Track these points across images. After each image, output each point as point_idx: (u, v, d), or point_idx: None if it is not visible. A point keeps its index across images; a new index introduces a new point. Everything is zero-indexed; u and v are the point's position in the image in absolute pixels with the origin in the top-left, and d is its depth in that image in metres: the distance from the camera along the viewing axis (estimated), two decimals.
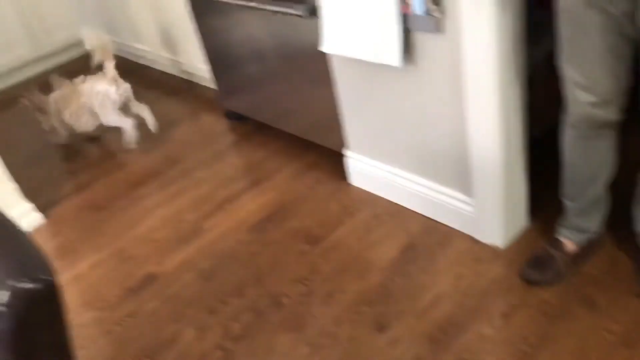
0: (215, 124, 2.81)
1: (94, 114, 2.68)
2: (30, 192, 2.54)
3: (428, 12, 1.50)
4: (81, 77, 2.72)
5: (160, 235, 2.15)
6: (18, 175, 2.45)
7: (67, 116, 2.72)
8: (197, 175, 2.46)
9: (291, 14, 1.90)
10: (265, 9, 2.00)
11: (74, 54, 4.01)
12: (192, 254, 2.02)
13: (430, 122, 1.72)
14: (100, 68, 2.68)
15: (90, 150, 2.85)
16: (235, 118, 2.77)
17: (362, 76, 1.83)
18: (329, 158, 2.34)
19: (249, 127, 2.71)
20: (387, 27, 1.58)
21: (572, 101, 1.41)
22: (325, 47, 1.80)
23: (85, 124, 2.72)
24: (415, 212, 1.96)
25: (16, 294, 0.56)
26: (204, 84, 3.18)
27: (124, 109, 2.71)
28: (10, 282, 0.57)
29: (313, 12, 1.84)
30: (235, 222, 2.13)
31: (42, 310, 0.59)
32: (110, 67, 2.64)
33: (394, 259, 1.81)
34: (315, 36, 1.93)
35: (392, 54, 1.60)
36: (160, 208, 2.31)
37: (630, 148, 1.65)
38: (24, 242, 0.63)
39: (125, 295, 1.91)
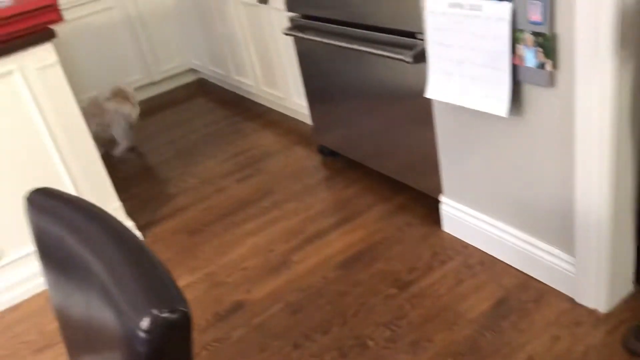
0: (308, 159, 2.87)
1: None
2: (132, 210, 2.70)
3: (540, 66, 1.48)
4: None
5: (250, 264, 2.21)
6: (122, 193, 2.62)
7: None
8: (288, 208, 2.51)
9: (395, 58, 1.93)
10: (370, 53, 2.04)
11: (179, 82, 4.27)
12: (281, 286, 2.06)
13: (535, 176, 1.67)
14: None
15: (192, 174, 2.99)
16: (328, 154, 2.82)
17: (465, 122, 1.82)
18: (421, 201, 2.33)
19: (341, 163, 2.75)
20: (497, 78, 1.57)
21: None
22: (430, 93, 1.81)
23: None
24: (510, 266, 1.90)
25: (156, 321, 0.60)
26: (300, 119, 3.28)
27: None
28: (152, 310, 0.61)
29: (419, 58, 1.86)
30: (323, 258, 2.15)
31: (176, 339, 0.63)
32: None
33: (485, 313, 1.76)
34: (418, 80, 1.95)
35: (499, 104, 1.59)
36: (251, 237, 2.37)
37: None
38: (162, 272, 0.67)
39: (214, 320, 1.97)
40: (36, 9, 2.05)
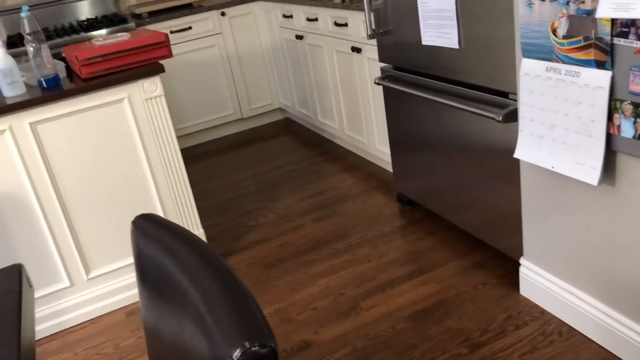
0: (385, 206, 2.89)
1: None
2: (212, 238, 2.80)
3: (638, 137, 1.44)
4: None
5: (320, 305, 2.23)
6: (204, 221, 2.73)
7: None
8: (362, 252, 2.53)
9: (487, 117, 1.93)
10: (461, 108, 2.06)
11: (267, 120, 4.45)
12: (348, 331, 2.06)
13: (625, 249, 1.61)
14: None
15: (271, 210, 3.07)
16: (407, 203, 2.83)
17: (552, 186, 1.79)
18: (499, 261, 2.28)
19: (418, 213, 2.75)
20: (590, 145, 1.54)
21: None
22: (519, 154, 1.80)
23: None
24: (590, 340, 1.81)
25: (246, 353, 0.64)
26: (381, 165, 3.31)
27: None
28: (244, 342, 0.64)
29: (509, 117, 1.86)
30: (393, 308, 2.14)
31: None
32: None
33: None
34: (506, 138, 1.94)
35: (591, 172, 1.56)
36: (323, 277, 2.40)
37: None
38: (254, 306, 0.71)
39: (281, 357, 1.99)
40: (150, 45, 2.23)
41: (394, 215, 2.79)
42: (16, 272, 1.19)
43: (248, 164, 3.76)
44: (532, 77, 1.68)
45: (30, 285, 1.21)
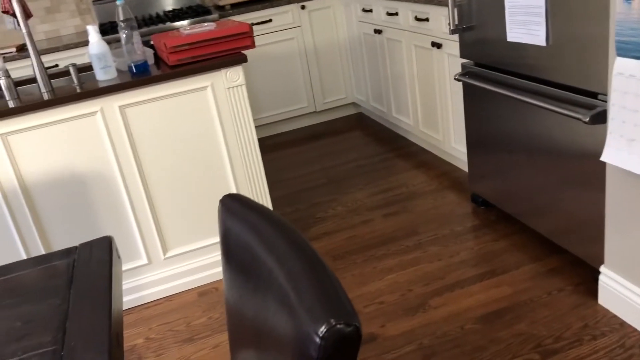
0: (458, 205, 2.84)
1: None
2: None
3: None
4: None
5: (387, 299, 2.23)
6: (275, 210, 2.78)
7: None
8: (432, 251, 2.50)
9: (573, 118, 1.86)
10: (545, 108, 1.99)
11: (340, 114, 4.47)
12: (415, 327, 2.05)
13: None
14: None
15: (340, 203, 3.09)
16: (481, 203, 2.77)
17: None
18: (577, 268, 2.20)
19: (492, 215, 2.68)
20: None
21: None
22: (606, 157, 1.72)
23: None
24: None
25: (332, 331, 0.65)
26: (455, 163, 3.26)
27: None
28: (329, 319, 0.66)
29: (597, 119, 1.79)
30: (463, 308, 2.11)
31: (346, 352, 0.67)
32: None
33: None
34: (592, 141, 1.87)
35: None
36: (391, 273, 2.39)
37: None
38: (339, 287, 0.72)
39: None
40: (234, 35, 2.29)
41: (467, 216, 2.74)
42: (107, 244, 1.26)
43: (319, 157, 3.79)
44: (626, 77, 1.60)
45: (119, 257, 1.28)
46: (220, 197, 1.03)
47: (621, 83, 1.62)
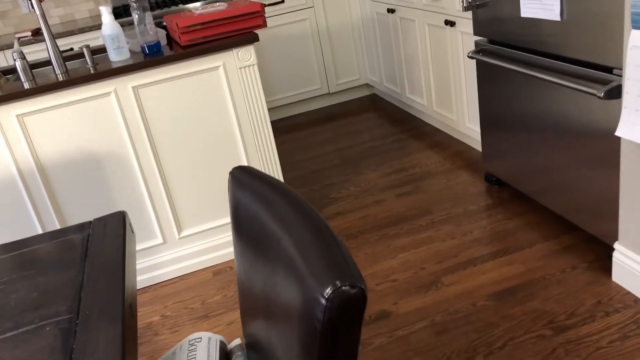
0: (471, 184, 2.83)
1: None
2: None
3: None
4: None
5: (399, 277, 2.24)
6: (295, 188, 2.79)
7: None
8: (445, 230, 2.50)
9: (586, 92, 1.84)
10: (559, 84, 1.97)
11: (353, 96, 4.45)
12: (428, 304, 2.05)
13: None
14: None
15: (354, 183, 3.10)
16: (495, 182, 2.76)
17: None
18: (591, 246, 2.19)
19: (506, 193, 2.67)
20: None
21: None
22: (620, 131, 1.70)
23: None
24: None
25: (337, 291, 0.66)
26: (469, 143, 3.24)
27: None
28: (335, 282, 0.67)
29: (612, 94, 1.76)
30: (475, 285, 2.11)
31: (351, 313, 0.68)
32: None
33: None
34: (606, 117, 1.84)
35: None
36: (403, 252, 2.40)
37: None
38: (344, 252, 0.73)
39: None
40: (246, 14, 2.29)
41: (480, 195, 2.73)
42: (121, 218, 1.29)
43: (333, 138, 3.79)
44: None
45: (132, 232, 1.30)
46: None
47: (637, 56, 1.60)
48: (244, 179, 1.00)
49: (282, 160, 3.56)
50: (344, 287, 0.67)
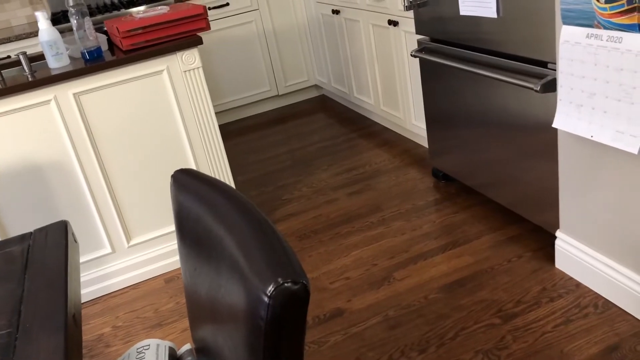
0: (420, 181, 2.88)
1: None
2: None
3: None
4: None
5: (352, 275, 2.26)
6: (247, 191, 2.78)
7: None
8: (395, 226, 2.54)
9: (524, 87, 1.91)
10: (498, 79, 2.03)
11: (303, 97, 4.46)
12: (381, 300, 2.08)
13: None
14: None
15: (305, 184, 3.10)
16: (442, 178, 2.82)
17: (591, 157, 1.76)
18: (535, 235, 2.26)
19: (453, 188, 2.73)
20: (631, 113, 1.51)
21: None
22: (557, 123, 1.77)
23: None
24: (627, 312, 1.79)
25: (280, 289, 0.67)
26: (416, 140, 3.30)
27: None
28: (277, 279, 0.67)
29: (548, 87, 1.83)
30: (426, 279, 2.15)
31: (295, 309, 0.69)
32: None
33: (593, 357, 1.67)
34: (544, 110, 1.91)
35: (632, 140, 1.53)
36: (356, 249, 2.42)
37: None
38: (287, 249, 0.74)
39: (314, 323, 2.03)
40: (188, 17, 2.26)
41: (428, 190, 2.78)
42: (62, 227, 1.25)
43: (284, 140, 3.79)
44: (572, 44, 1.64)
45: (75, 241, 1.27)
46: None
47: (567, 50, 1.67)
48: (186, 182, 0.99)
49: (234, 163, 3.54)
50: (286, 284, 0.67)
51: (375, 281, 2.19)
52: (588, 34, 1.58)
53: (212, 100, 4.09)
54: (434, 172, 2.86)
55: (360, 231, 2.55)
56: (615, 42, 1.51)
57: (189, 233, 0.97)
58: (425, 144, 3.22)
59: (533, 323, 1.84)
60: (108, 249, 2.43)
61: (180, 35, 2.29)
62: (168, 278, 2.50)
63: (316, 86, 4.46)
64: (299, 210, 2.84)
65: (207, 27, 2.30)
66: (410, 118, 3.15)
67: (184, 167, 2.43)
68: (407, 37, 2.91)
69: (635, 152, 1.52)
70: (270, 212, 2.88)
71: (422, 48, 2.56)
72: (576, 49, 1.63)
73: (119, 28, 2.21)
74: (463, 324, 1.89)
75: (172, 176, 1.02)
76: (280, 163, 3.44)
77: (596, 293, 1.90)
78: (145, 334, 2.17)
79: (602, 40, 1.55)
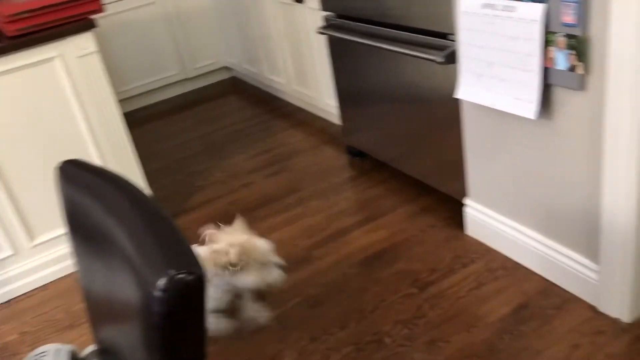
0: (335, 158, 2.89)
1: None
2: (161, 200, 2.75)
3: (572, 69, 1.47)
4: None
5: None
6: (152, 183, 2.68)
7: None
8: (313, 205, 2.53)
9: (427, 59, 1.93)
10: (402, 53, 2.05)
11: (213, 80, 4.34)
12: (301, 280, 2.07)
13: (562, 180, 1.66)
14: None
15: (220, 169, 3.03)
16: (356, 154, 2.84)
17: (493, 125, 1.82)
18: (446, 204, 2.32)
19: (368, 164, 2.76)
20: (526, 80, 1.56)
21: None
22: (459, 94, 1.81)
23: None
24: (533, 272, 1.88)
25: (172, 281, 0.63)
26: (329, 119, 3.30)
27: None
28: (169, 271, 0.63)
29: (450, 59, 1.86)
30: (344, 255, 2.16)
31: (191, 300, 0.65)
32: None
33: (505, 317, 1.74)
34: (448, 82, 1.95)
35: (528, 106, 1.58)
36: (275, 231, 2.40)
37: None
38: (180, 239, 0.69)
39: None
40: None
41: (343, 168, 2.80)
42: None
43: (195, 125, 3.68)
44: (470, 14, 1.67)
45: None
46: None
47: (466, 21, 1.70)
48: (73, 173, 0.92)
49: (143, 152, 3.39)
50: (179, 275, 0.63)
51: (296, 262, 2.18)
52: (484, 3, 1.62)
53: (116, 87, 3.89)
54: (348, 149, 2.87)
55: (278, 213, 2.53)
56: (509, 11, 1.55)
57: (80, 228, 0.90)
58: (339, 122, 3.22)
59: (448, 289, 1.89)
60: (9, 251, 2.26)
61: (71, 18, 2.14)
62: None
63: (226, 68, 4.35)
64: (214, 196, 2.77)
65: (100, 10, 2.17)
66: (322, 96, 3.14)
67: (86, 159, 2.29)
68: (314, 14, 2.88)
69: (532, 117, 1.58)
70: (184, 199, 2.79)
71: (328, 25, 2.54)
72: (474, 20, 1.67)
73: (3, 11, 2.03)
74: (382, 297, 1.92)
75: (58, 168, 0.94)
76: (192, 149, 3.34)
77: (505, 256, 1.98)
78: (58, 336, 2.06)
79: (497, 9, 1.58)
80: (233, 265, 1.69)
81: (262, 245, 1.79)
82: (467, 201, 2.08)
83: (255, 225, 2.46)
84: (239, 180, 2.88)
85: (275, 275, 1.77)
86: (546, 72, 1.53)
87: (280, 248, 2.27)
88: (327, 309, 1.91)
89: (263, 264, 1.75)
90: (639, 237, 1.52)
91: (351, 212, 2.43)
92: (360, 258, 2.13)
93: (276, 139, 3.24)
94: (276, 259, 1.79)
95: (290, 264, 2.16)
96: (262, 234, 2.38)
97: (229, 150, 3.22)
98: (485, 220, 2.02)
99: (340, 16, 2.48)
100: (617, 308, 1.63)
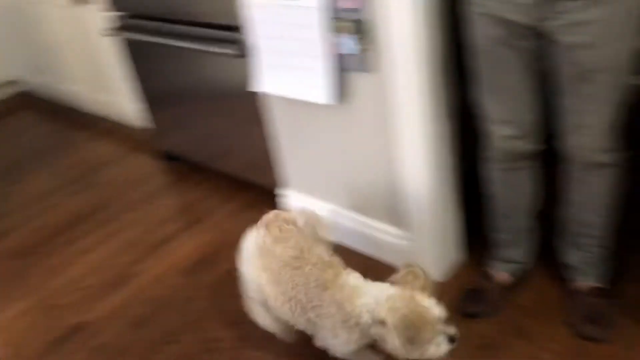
0: (147, 166, 2.74)
1: None
2: None
3: (358, 52, 1.53)
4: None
5: (88, 283, 2.05)
6: None
7: None
8: (127, 218, 2.37)
9: (222, 54, 1.90)
10: (197, 50, 1.99)
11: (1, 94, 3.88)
12: (123, 301, 1.93)
13: (362, 159, 1.74)
14: None
15: (15, 194, 2.70)
16: (172, 158, 2.71)
17: (295, 114, 1.84)
18: (267, 197, 2.31)
19: (184, 167, 2.65)
20: (313, 66, 1.60)
21: (490, 135, 1.47)
22: (255, 86, 1.80)
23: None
24: (355, 251, 1.95)
25: None
26: (135, 125, 3.12)
27: None
28: None
29: (244, 52, 1.84)
30: (168, 266, 2.05)
31: None
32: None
33: None
34: (247, 75, 1.94)
35: (318, 91, 1.62)
36: (87, 254, 2.20)
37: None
38: None
39: (48, 348, 1.79)
40: None
41: (157, 174, 2.66)
42: None
43: None
44: (258, 6, 1.67)
45: None
46: None
47: (255, 13, 1.69)
48: None
49: None
50: None
51: (114, 283, 2.02)
52: None
53: None
54: (163, 154, 2.73)
55: (90, 232, 2.33)
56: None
57: None
58: (146, 127, 3.06)
59: None
60: None
61: None
62: None
63: (12, 82, 3.89)
64: (15, 225, 2.47)
65: None
66: (124, 103, 2.95)
67: None
68: (103, 15, 2.68)
69: (325, 102, 1.63)
70: None
71: (120, 26, 2.38)
72: (262, 11, 1.66)
73: None
74: (210, 302, 1.86)
75: None
76: None
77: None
78: None
79: None
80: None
81: (432, 311, 1.24)
82: (285, 190, 2.10)
83: (65, 250, 2.24)
84: (39, 203, 2.59)
85: (441, 350, 1.25)
86: (340, 58, 1.58)
87: (95, 271, 2.09)
88: (155, 327, 1.80)
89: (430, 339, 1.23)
90: (435, 203, 1.64)
91: (170, 219, 2.32)
92: (185, 266, 2.04)
93: (79, 153, 2.99)
94: (448, 329, 1.26)
95: (111, 286, 2.00)
96: (74, 258, 2.18)
97: (25, 173, 2.89)
98: (304, 206, 2.04)
99: (132, 16, 2.34)
100: (431, 268, 1.75)
